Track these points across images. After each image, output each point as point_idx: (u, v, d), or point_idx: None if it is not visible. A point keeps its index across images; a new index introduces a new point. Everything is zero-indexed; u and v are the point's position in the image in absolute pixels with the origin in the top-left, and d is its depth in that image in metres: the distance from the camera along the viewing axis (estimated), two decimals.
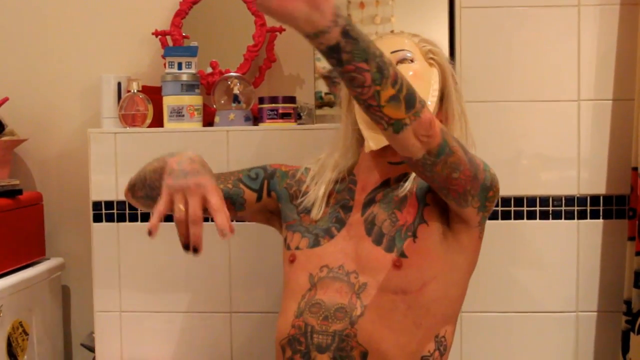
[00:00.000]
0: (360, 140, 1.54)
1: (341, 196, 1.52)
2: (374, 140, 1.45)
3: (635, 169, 1.81)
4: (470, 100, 1.87)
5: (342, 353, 1.39)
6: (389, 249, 1.42)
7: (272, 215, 1.63)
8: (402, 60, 1.47)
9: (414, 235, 1.42)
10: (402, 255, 1.41)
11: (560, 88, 1.89)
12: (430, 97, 1.46)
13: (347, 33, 1.12)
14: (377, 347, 1.38)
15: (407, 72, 1.44)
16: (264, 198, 1.60)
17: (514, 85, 1.90)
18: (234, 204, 1.58)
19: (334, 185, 1.54)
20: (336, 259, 1.46)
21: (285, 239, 1.55)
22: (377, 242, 1.43)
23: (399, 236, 1.42)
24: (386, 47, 1.46)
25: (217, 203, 1.30)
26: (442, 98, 1.50)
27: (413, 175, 1.48)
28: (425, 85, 1.47)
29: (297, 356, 1.43)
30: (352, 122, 1.53)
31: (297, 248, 1.50)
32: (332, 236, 1.48)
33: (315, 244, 1.49)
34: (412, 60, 1.48)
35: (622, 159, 1.88)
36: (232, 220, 1.55)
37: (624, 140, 1.87)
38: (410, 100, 1.19)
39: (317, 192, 1.53)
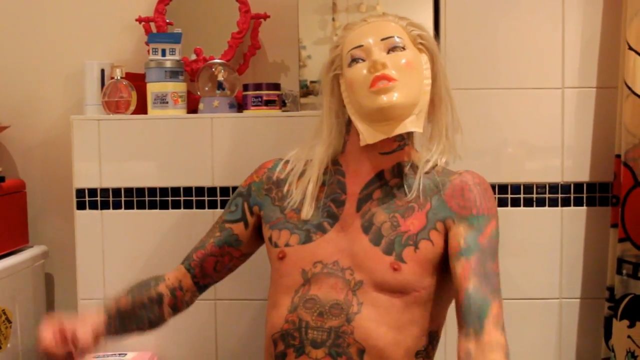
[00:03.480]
0: (344, 128, 1.51)
1: (330, 189, 1.50)
2: (370, 134, 1.42)
3: (618, 156, 1.82)
4: (454, 88, 1.87)
5: (339, 349, 1.37)
6: (388, 252, 1.40)
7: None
8: (393, 49, 1.42)
9: (416, 246, 1.40)
10: (401, 260, 1.39)
11: (545, 75, 1.89)
12: (424, 87, 1.44)
13: None
14: (375, 344, 1.37)
15: (400, 60, 1.41)
16: (249, 220, 1.59)
17: (498, 73, 1.90)
18: (232, 245, 1.60)
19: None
20: (330, 255, 1.44)
21: (270, 238, 1.52)
22: (375, 242, 1.42)
23: (399, 242, 1.41)
24: (375, 32, 1.44)
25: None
26: (431, 82, 1.47)
27: (418, 177, 1.45)
28: (418, 75, 1.44)
29: (291, 350, 1.41)
30: (335, 111, 1.50)
31: (287, 245, 1.47)
32: (324, 231, 1.46)
33: (307, 239, 1.46)
34: (403, 48, 1.43)
35: (606, 147, 1.88)
36: (242, 261, 1.65)
37: (607, 128, 1.88)
38: None
39: (304, 191, 1.50)
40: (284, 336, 1.42)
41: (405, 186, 1.45)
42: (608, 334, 1.84)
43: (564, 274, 1.91)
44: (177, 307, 1.62)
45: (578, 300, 1.92)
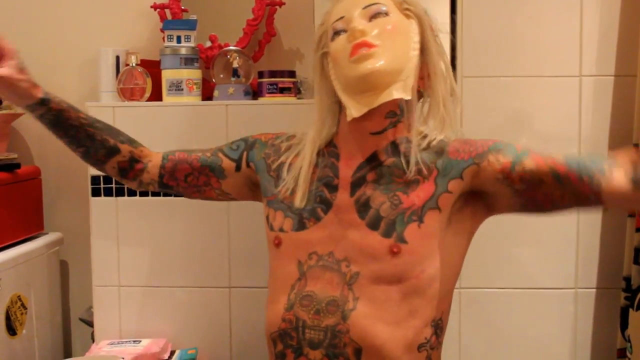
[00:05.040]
0: (337, 107, 1.43)
1: (323, 172, 1.42)
2: (355, 107, 1.34)
3: (636, 145, 1.81)
4: (471, 76, 1.87)
5: (335, 350, 1.32)
6: (387, 234, 1.32)
7: (257, 189, 1.55)
8: (375, 15, 1.35)
9: (420, 220, 1.32)
10: (402, 240, 1.32)
11: (562, 64, 1.88)
12: (411, 51, 1.36)
13: None
14: (371, 342, 1.31)
15: (385, 26, 1.34)
16: (243, 168, 1.54)
17: (516, 61, 1.88)
18: (214, 172, 1.55)
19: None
20: (325, 245, 1.37)
21: (267, 217, 1.46)
22: (373, 226, 1.34)
23: (401, 220, 1.32)
24: (357, 2, 1.38)
25: None
26: (422, 51, 1.38)
27: (414, 151, 1.36)
28: (406, 39, 1.36)
29: (289, 351, 1.37)
30: (326, 92, 1.43)
31: (282, 230, 1.41)
32: (318, 218, 1.39)
33: (301, 226, 1.39)
34: (387, 14, 1.35)
35: (624, 136, 1.87)
36: (219, 196, 1.59)
37: (625, 117, 1.86)
38: None
39: (297, 178, 1.42)
40: (282, 336, 1.38)
41: (403, 163, 1.37)
42: (624, 324, 1.83)
43: (580, 264, 1.90)
44: (125, 172, 1.57)
45: (594, 290, 1.91)
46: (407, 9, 1.38)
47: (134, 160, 1.56)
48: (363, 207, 1.36)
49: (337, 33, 1.37)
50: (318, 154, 1.44)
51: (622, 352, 1.86)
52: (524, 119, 1.89)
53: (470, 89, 1.85)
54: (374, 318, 1.32)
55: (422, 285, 1.34)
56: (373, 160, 1.39)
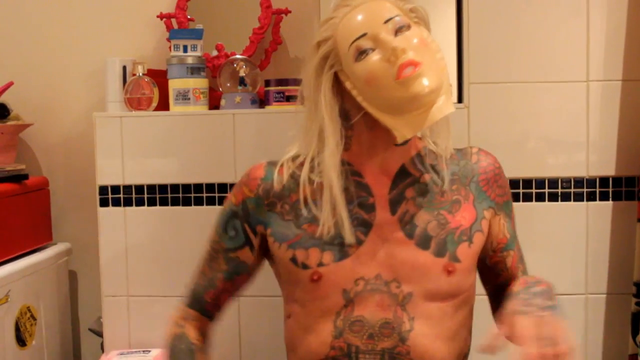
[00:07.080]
0: (343, 126, 1.31)
1: (351, 194, 1.32)
2: (407, 128, 1.25)
3: None
4: (477, 82, 1.86)
5: None
6: (440, 254, 1.29)
7: (267, 251, 1.43)
8: (400, 29, 1.24)
9: (470, 240, 1.32)
10: (455, 260, 1.29)
11: (569, 68, 1.87)
12: (440, 61, 1.28)
13: None
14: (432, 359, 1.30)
15: (412, 40, 1.24)
16: (254, 242, 1.41)
17: (522, 66, 1.88)
18: (242, 273, 1.44)
19: None
20: (371, 269, 1.30)
21: (293, 259, 1.33)
22: (423, 245, 1.30)
23: (452, 239, 1.30)
24: (373, 16, 1.26)
25: None
26: None
27: (445, 166, 1.34)
28: (431, 49, 1.27)
29: None
30: (337, 111, 1.30)
31: (321, 264, 1.30)
32: (360, 243, 1.31)
33: (343, 255, 1.30)
34: (409, 27, 1.26)
35: (632, 140, 1.86)
36: (252, 281, 1.49)
37: (633, 121, 1.86)
38: None
39: (333, 213, 1.30)
40: None
41: (439, 179, 1.34)
42: (635, 330, 1.82)
43: (590, 269, 1.89)
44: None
45: (604, 295, 1.90)
46: (415, 17, 1.31)
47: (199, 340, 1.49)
48: (408, 225, 1.32)
49: (364, 52, 1.25)
50: None
51: (633, 358, 1.85)
52: (532, 125, 1.88)
53: (477, 96, 1.85)
54: (433, 336, 1.29)
55: (470, 297, 1.37)
56: (405, 175, 1.35)
